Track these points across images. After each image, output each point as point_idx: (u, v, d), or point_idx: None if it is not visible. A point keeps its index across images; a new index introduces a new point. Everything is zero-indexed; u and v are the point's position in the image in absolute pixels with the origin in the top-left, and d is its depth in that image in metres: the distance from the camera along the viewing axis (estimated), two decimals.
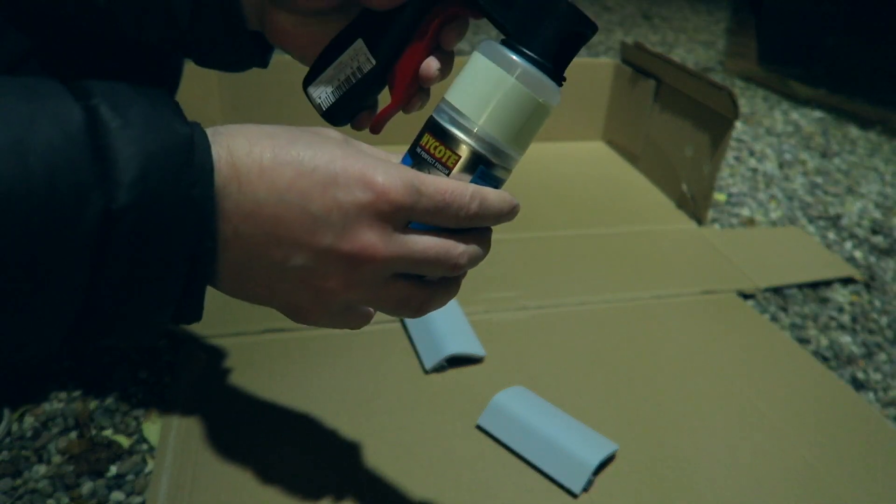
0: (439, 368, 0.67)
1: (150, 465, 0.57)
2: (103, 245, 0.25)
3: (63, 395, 0.64)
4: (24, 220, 0.22)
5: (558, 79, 0.33)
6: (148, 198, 0.25)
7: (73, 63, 0.42)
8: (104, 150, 0.24)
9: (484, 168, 0.31)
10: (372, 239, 0.28)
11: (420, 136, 0.33)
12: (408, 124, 1.28)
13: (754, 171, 1.29)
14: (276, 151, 0.27)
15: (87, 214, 0.24)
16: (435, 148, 0.32)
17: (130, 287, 0.26)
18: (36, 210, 0.23)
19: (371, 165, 0.28)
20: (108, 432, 0.60)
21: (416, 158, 0.33)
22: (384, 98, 0.40)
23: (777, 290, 0.88)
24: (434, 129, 0.33)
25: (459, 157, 0.31)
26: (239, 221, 0.28)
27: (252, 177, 0.27)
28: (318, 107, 0.40)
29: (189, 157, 0.26)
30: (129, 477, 0.56)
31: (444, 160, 0.31)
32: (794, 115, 1.62)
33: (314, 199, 0.27)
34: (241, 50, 0.43)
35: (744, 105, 1.67)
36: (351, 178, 0.28)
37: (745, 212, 1.12)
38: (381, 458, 0.57)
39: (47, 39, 0.40)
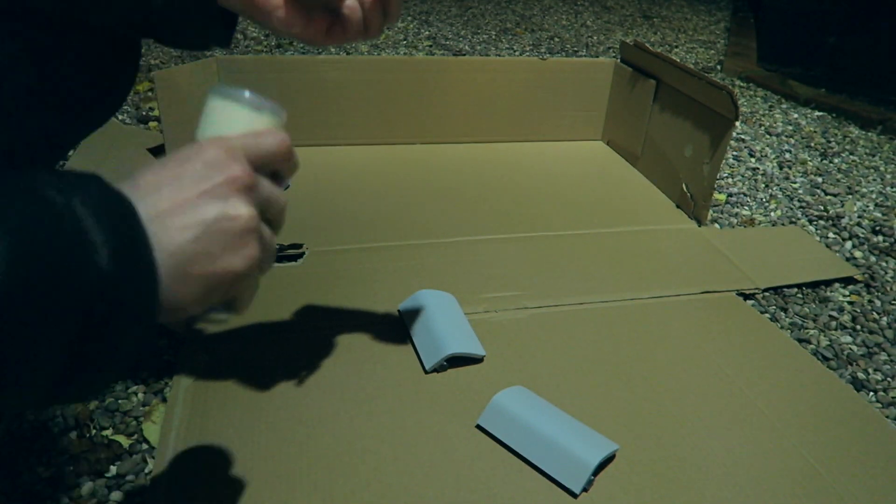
0: (439, 368, 0.67)
1: (150, 465, 0.57)
2: (96, 305, 0.28)
3: None
4: (31, 286, 0.25)
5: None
6: (125, 265, 0.29)
7: (33, 51, 0.42)
8: (83, 233, 0.28)
9: None
10: (237, 167, 0.35)
11: None
12: (401, 124, 1.27)
13: (754, 171, 1.29)
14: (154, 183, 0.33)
15: (85, 279, 0.27)
16: None
17: (113, 338, 0.29)
18: (38, 275, 0.26)
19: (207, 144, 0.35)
20: (108, 432, 0.60)
21: None
22: None
23: (777, 290, 0.88)
24: None
25: None
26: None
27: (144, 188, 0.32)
28: None
29: (137, 226, 0.30)
30: (129, 477, 0.56)
31: None
32: (794, 115, 1.62)
33: (186, 172, 0.33)
34: (209, 28, 0.44)
35: (744, 105, 1.67)
36: (199, 149, 0.34)
37: (745, 212, 1.12)
38: (381, 458, 0.57)
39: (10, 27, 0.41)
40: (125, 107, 1.31)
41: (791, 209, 1.14)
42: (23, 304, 0.25)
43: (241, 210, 0.34)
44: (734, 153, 1.37)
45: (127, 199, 0.30)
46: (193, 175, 0.33)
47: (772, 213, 1.12)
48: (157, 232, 0.31)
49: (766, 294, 0.87)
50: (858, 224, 1.10)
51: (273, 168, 0.40)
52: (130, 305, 0.29)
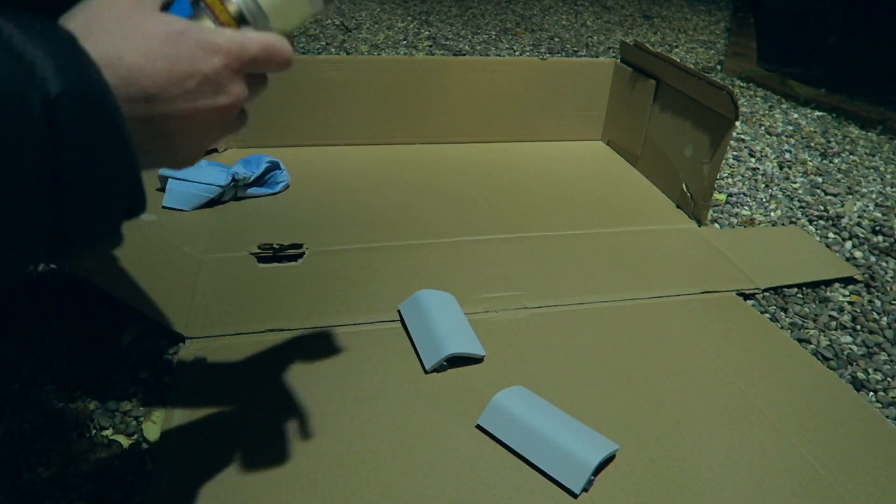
0: (439, 368, 0.67)
1: (150, 465, 0.57)
2: (53, 132, 0.27)
3: (63, 395, 0.64)
4: None
5: None
6: (74, 85, 0.27)
7: None
8: (19, 54, 0.26)
9: (244, 25, 0.38)
10: (237, 88, 0.36)
11: None
12: (401, 124, 1.28)
13: (754, 171, 1.29)
14: (146, 51, 0.32)
15: (33, 103, 0.26)
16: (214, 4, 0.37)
17: (89, 171, 0.29)
18: None
19: (210, 31, 0.35)
20: (107, 432, 0.60)
21: (195, 7, 0.37)
22: None
23: (777, 290, 0.88)
24: None
25: (230, 13, 0.37)
26: (140, 109, 0.32)
27: (135, 76, 0.31)
28: None
29: (78, 47, 0.29)
30: (129, 477, 0.56)
31: (217, 14, 0.37)
32: (794, 115, 1.62)
33: (189, 79, 0.33)
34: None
35: (744, 105, 1.67)
36: (205, 49, 0.34)
37: (745, 212, 1.12)
38: (381, 458, 0.57)
39: None
40: None
41: (791, 209, 1.14)
42: None
43: (221, 128, 0.36)
44: (734, 153, 1.37)
45: (64, 29, 0.29)
46: (192, 88, 0.33)
47: (772, 213, 1.12)
48: (136, 124, 0.31)
49: (766, 294, 0.87)
50: (858, 224, 1.10)
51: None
52: (91, 124, 0.28)
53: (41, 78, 0.26)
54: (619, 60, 1.23)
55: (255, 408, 0.62)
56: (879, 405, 0.71)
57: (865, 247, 1.03)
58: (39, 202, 0.27)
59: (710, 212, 1.06)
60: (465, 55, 1.88)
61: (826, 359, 0.78)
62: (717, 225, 1.06)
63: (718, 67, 1.99)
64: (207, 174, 0.94)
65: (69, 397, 0.64)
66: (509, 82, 1.22)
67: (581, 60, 1.27)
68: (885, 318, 0.86)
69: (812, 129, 1.54)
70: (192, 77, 0.33)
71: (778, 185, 1.23)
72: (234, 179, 0.95)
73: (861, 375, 0.75)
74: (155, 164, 0.35)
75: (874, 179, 1.29)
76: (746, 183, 1.23)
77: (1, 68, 0.25)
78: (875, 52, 1.97)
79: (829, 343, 0.80)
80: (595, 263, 0.89)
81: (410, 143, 1.23)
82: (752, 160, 1.34)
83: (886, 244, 1.05)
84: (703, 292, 0.85)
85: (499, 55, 1.91)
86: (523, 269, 0.86)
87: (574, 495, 0.55)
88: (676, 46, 2.20)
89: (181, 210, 0.93)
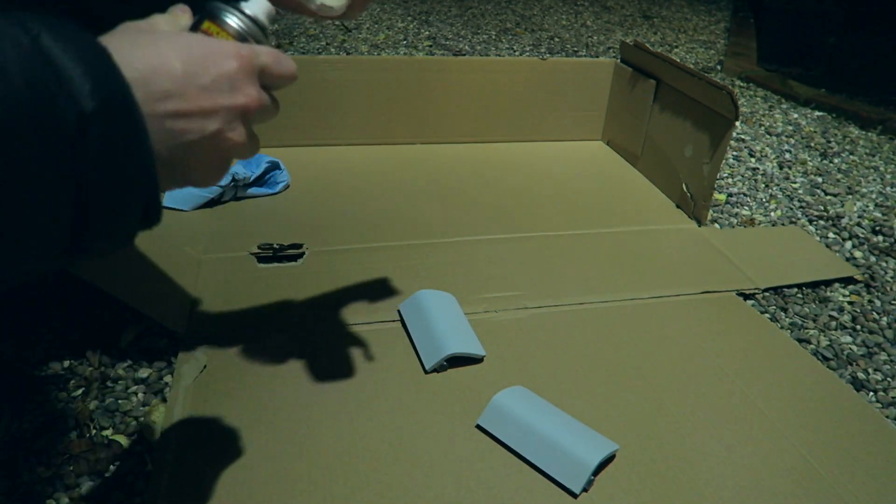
0: (439, 368, 0.67)
1: (150, 466, 0.57)
2: (82, 145, 0.28)
3: (63, 395, 0.64)
4: (15, 124, 0.25)
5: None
6: (107, 102, 0.28)
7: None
8: (59, 69, 0.27)
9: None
10: (253, 90, 0.36)
11: (200, 22, 0.39)
12: (401, 124, 1.28)
13: (754, 171, 1.29)
14: (158, 53, 0.33)
15: (68, 118, 0.27)
16: (213, 30, 0.39)
17: (110, 186, 0.29)
18: (21, 113, 0.25)
19: (219, 41, 0.36)
20: (107, 432, 0.61)
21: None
22: None
23: (777, 290, 0.88)
24: (213, 17, 0.39)
25: (230, 34, 0.39)
26: (158, 109, 0.32)
27: (149, 75, 0.32)
28: None
29: (113, 64, 0.29)
30: (129, 477, 0.56)
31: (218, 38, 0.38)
32: (794, 115, 1.62)
33: (203, 76, 0.34)
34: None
35: (744, 105, 1.67)
36: (218, 53, 0.35)
37: (745, 212, 1.12)
38: (381, 458, 0.57)
39: None
40: None
41: (791, 209, 1.14)
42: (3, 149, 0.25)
43: (239, 135, 0.36)
44: (734, 153, 1.37)
45: (100, 44, 0.30)
46: (207, 85, 0.34)
47: (772, 213, 1.12)
48: (157, 125, 0.32)
49: (766, 294, 0.87)
50: (858, 224, 1.10)
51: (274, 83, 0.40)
52: (119, 141, 0.29)
53: (77, 94, 0.27)
54: (619, 60, 1.23)
55: (254, 408, 0.62)
56: (879, 405, 0.71)
57: (865, 247, 1.03)
58: (62, 210, 0.28)
59: (710, 212, 1.06)
60: (465, 55, 1.88)
61: (826, 359, 0.78)
62: (717, 225, 1.06)
63: (718, 67, 1.99)
64: None
65: (69, 397, 0.64)
66: (509, 82, 1.22)
67: (581, 60, 1.27)
68: (885, 318, 0.86)
69: (812, 129, 1.54)
70: (206, 74, 0.34)
71: (778, 185, 1.23)
72: (234, 179, 0.95)
73: (861, 375, 0.75)
74: (178, 179, 0.36)
75: (874, 179, 1.29)
76: (746, 183, 1.23)
77: (43, 85, 0.26)
78: (875, 52, 1.98)
79: (829, 343, 0.80)
80: (595, 263, 0.89)
81: (410, 143, 1.23)
82: (752, 160, 1.34)
83: (886, 244, 1.05)
84: (703, 292, 0.85)
85: (499, 55, 1.91)
86: (523, 269, 0.86)
87: (574, 495, 0.55)
88: (676, 46, 2.20)
89: (181, 210, 0.93)
